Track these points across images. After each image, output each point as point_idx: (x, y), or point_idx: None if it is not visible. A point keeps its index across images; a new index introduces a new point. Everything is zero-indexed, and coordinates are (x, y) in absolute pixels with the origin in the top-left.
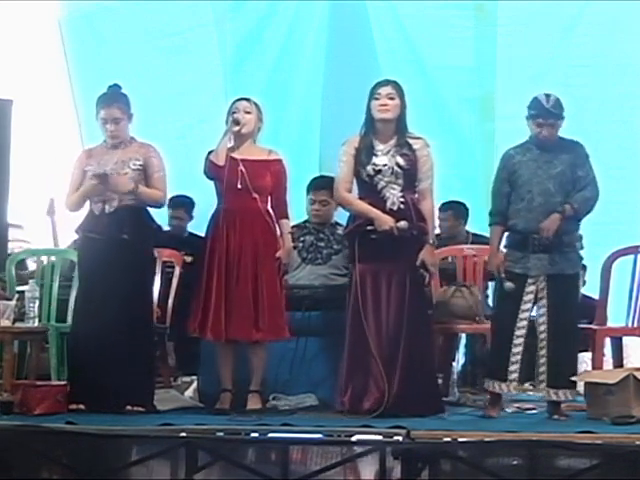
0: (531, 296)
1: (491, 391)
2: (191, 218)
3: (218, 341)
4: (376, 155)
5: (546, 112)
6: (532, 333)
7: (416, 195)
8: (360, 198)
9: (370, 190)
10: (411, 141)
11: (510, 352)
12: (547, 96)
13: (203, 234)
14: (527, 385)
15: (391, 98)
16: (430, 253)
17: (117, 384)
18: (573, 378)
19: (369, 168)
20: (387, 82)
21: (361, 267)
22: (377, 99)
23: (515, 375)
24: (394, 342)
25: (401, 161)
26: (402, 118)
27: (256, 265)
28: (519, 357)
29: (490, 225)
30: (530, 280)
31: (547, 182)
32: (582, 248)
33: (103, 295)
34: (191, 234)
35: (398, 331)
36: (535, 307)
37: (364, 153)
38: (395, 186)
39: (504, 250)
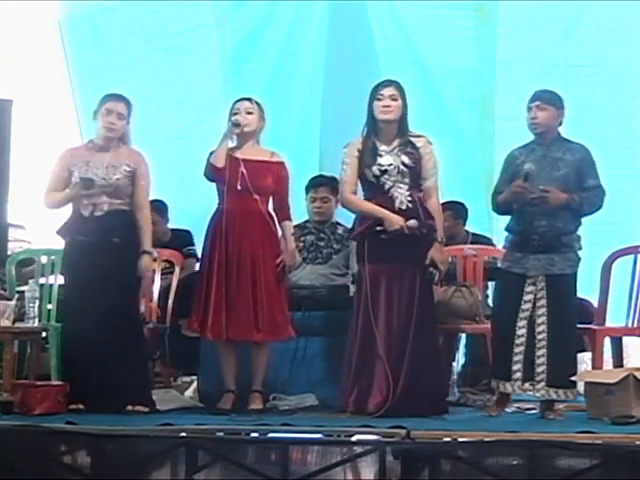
0: (531, 296)
1: (500, 391)
2: (167, 221)
3: (218, 341)
4: (380, 155)
5: (533, 94)
6: (532, 333)
7: (421, 193)
8: (367, 199)
9: (377, 191)
10: (413, 139)
11: (512, 352)
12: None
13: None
14: (527, 385)
15: (394, 99)
16: (439, 251)
17: (109, 386)
18: (573, 378)
19: (375, 169)
20: (389, 83)
21: (371, 268)
22: (380, 100)
23: (519, 375)
24: (402, 342)
25: (406, 160)
26: (404, 118)
27: (255, 266)
28: (521, 357)
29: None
30: (529, 280)
31: (549, 184)
32: (580, 249)
33: (92, 297)
34: (173, 230)
35: (407, 331)
36: (534, 307)
37: (368, 154)
38: (402, 185)
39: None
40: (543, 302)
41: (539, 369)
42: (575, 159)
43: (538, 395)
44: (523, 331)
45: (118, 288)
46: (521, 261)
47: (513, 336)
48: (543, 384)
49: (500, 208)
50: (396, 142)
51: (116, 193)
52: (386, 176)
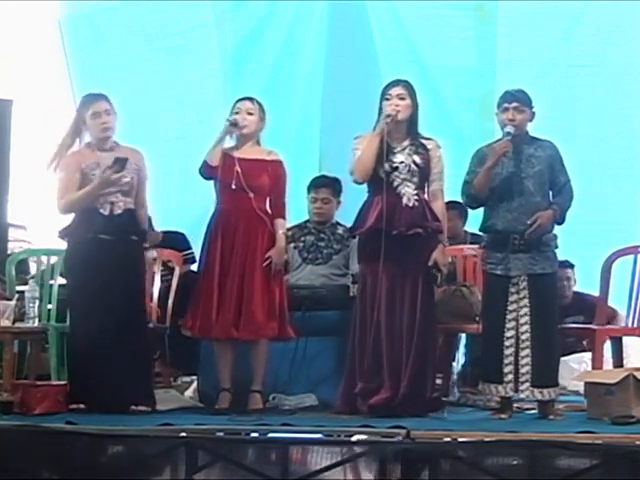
0: (515, 296)
1: (492, 394)
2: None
3: (205, 338)
4: (393, 153)
5: (509, 95)
6: (518, 334)
7: (426, 196)
8: (374, 196)
9: (386, 187)
10: (424, 142)
11: (503, 354)
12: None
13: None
14: (514, 386)
15: (402, 98)
16: (442, 253)
17: (122, 383)
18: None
19: (386, 165)
20: (398, 82)
21: (374, 266)
22: (388, 100)
23: (511, 376)
24: (406, 342)
25: (418, 159)
26: (414, 118)
27: (245, 264)
28: (511, 358)
29: (465, 189)
30: (513, 280)
31: (526, 181)
32: (557, 247)
33: (107, 295)
34: (166, 232)
35: (410, 331)
36: (517, 307)
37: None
38: (410, 184)
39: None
40: (526, 302)
41: (523, 370)
42: (546, 155)
43: (523, 396)
44: (512, 332)
45: (132, 285)
46: (503, 262)
47: (503, 338)
48: (528, 385)
49: (474, 191)
50: (407, 141)
51: (129, 192)
52: (396, 173)
